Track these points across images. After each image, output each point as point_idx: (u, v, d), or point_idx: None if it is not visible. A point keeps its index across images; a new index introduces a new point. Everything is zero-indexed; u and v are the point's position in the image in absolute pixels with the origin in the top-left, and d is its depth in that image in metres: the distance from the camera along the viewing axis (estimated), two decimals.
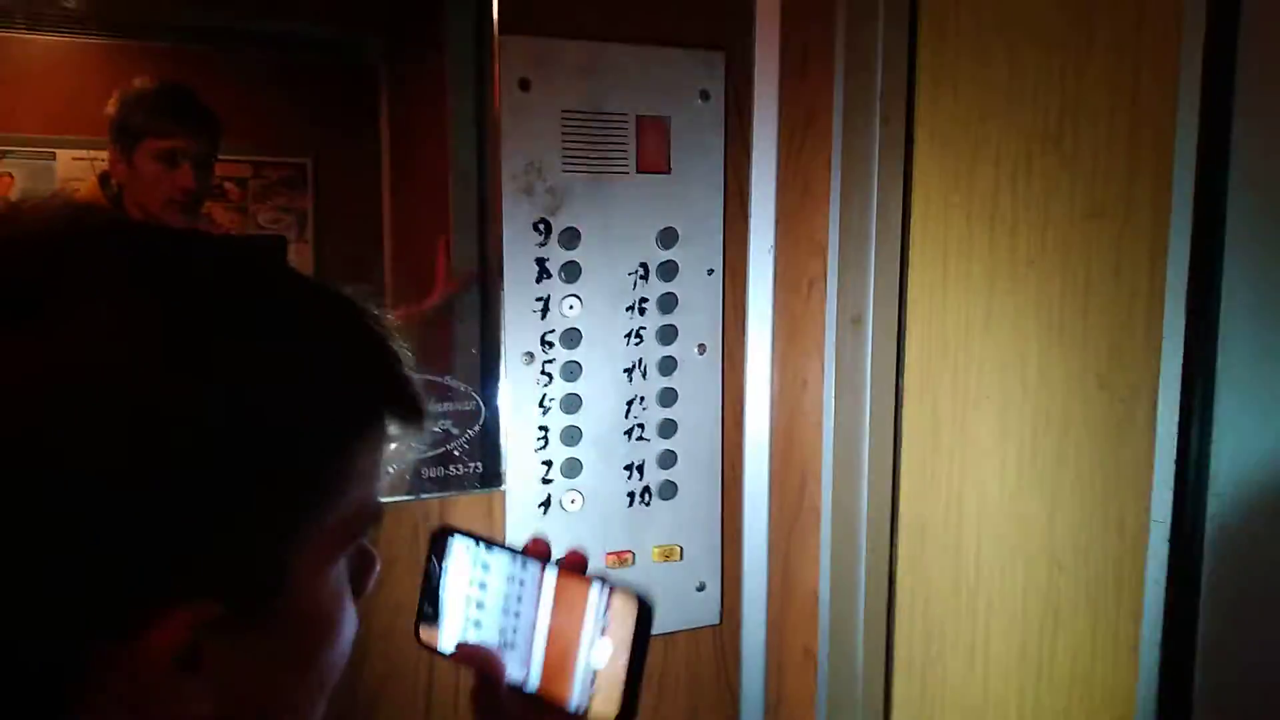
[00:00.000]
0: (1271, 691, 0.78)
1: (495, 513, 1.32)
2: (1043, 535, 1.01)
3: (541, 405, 1.33)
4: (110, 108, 1.23)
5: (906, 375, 1.20)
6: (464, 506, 1.31)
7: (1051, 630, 1.00)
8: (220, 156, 1.28)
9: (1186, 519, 0.83)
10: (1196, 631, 0.83)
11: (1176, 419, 0.83)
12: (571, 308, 1.32)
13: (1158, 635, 0.84)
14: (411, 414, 0.53)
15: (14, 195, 1.24)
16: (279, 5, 1.36)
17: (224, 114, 1.26)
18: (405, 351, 0.53)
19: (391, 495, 1.31)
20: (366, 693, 1.30)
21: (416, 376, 0.53)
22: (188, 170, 1.25)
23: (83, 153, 1.24)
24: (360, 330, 0.51)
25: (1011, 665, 1.05)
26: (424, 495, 1.31)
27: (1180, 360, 0.82)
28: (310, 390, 0.47)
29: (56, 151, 1.24)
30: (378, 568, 0.57)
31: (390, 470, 0.55)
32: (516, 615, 0.63)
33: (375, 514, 0.52)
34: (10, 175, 1.23)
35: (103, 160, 1.24)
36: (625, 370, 1.36)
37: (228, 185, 1.32)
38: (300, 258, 1.36)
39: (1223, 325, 0.81)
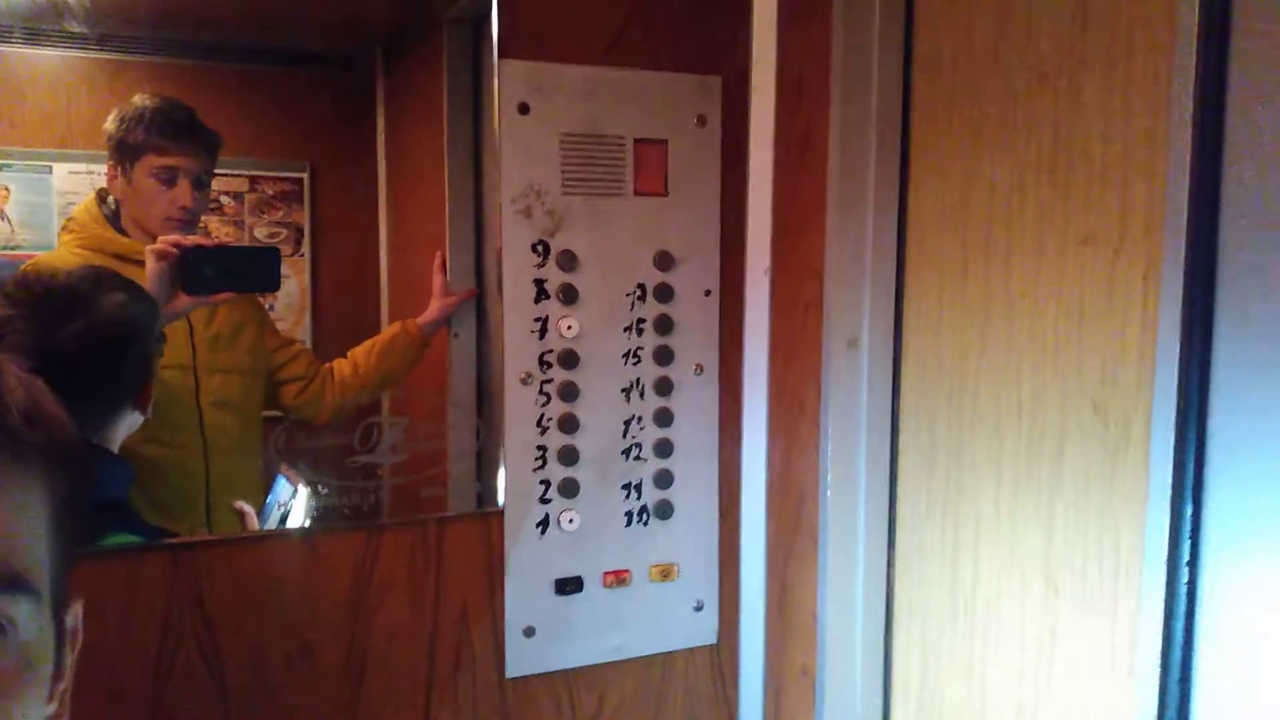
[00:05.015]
0: (1269, 716, 0.78)
1: (493, 533, 1.32)
2: (1038, 556, 1.01)
3: (539, 425, 1.33)
4: (110, 124, 1.23)
5: (903, 397, 1.21)
6: (461, 526, 1.31)
7: (1049, 652, 1.01)
8: (217, 170, 1.29)
9: (1181, 544, 0.84)
10: (1193, 656, 0.84)
11: (1172, 444, 0.84)
12: (570, 328, 1.32)
13: (1154, 659, 0.85)
14: None
15: (9, 208, 1.24)
16: (278, 22, 1.36)
17: (222, 128, 1.27)
18: None
19: (389, 518, 1.31)
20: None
21: None
22: (186, 188, 1.25)
23: (80, 167, 1.24)
24: None
25: (1008, 686, 1.06)
26: (420, 516, 1.31)
27: (1175, 386, 0.83)
28: None
29: (53, 165, 1.24)
30: None
31: None
32: None
33: None
34: (7, 188, 1.23)
35: (100, 174, 1.24)
36: (623, 390, 1.37)
37: (224, 199, 1.32)
38: (296, 272, 1.36)
39: (1216, 350, 0.82)
